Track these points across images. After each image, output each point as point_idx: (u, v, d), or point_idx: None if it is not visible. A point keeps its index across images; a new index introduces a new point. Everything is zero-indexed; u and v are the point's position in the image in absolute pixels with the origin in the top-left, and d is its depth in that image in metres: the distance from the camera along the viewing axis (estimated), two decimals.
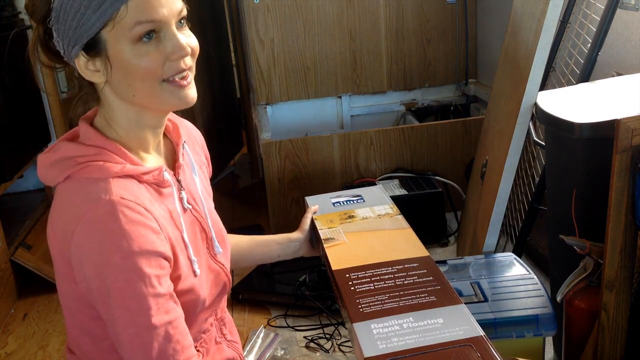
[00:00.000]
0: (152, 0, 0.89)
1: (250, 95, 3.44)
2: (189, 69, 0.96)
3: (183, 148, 1.10)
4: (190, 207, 1.08)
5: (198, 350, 1.11)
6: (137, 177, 0.96)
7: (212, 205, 1.19)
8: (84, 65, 0.93)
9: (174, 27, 0.93)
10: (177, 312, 0.95)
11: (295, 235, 1.38)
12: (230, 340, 1.21)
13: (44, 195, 3.01)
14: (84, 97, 1.01)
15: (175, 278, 0.98)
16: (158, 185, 1.00)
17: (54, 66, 0.97)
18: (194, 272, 1.04)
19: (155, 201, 0.98)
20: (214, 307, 1.14)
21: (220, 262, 1.14)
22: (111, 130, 0.99)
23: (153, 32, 0.91)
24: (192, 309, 1.04)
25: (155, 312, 0.90)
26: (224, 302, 1.20)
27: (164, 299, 0.92)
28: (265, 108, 3.18)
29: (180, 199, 1.06)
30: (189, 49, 0.94)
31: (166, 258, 0.94)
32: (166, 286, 0.93)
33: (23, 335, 2.29)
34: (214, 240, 1.12)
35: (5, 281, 2.41)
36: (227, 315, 1.23)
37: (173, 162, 1.10)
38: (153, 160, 1.04)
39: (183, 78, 0.95)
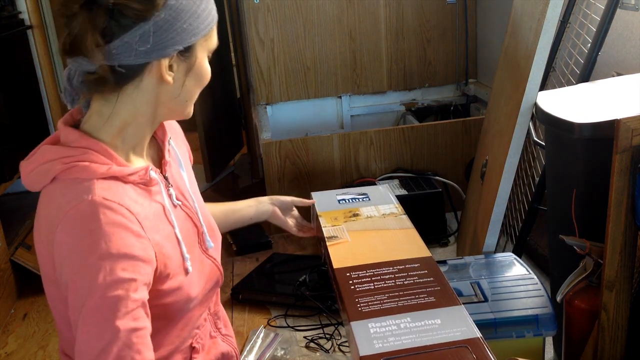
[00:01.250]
0: None
1: (250, 95, 3.44)
2: None
3: (169, 144, 1.10)
4: (179, 203, 1.08)
5: (194, 347, 1.11)
6: (123, 178, 0.96)
7: (201, 199, 1.18)
8: (166, 68, 0.95)
9: None
10: (145, 323, 0.90)
11: (264, 198, 1.50)
12: (225, 334, 1.21)
13: None
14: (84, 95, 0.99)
15: (164, 277, 0.97)
16: (145, 185, 1.00)
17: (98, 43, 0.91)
18: (186, 269, 1.03)
19: (143, 200, 0.98)
20: (208, 302, 1.14)
21: (212, 256, 1.13)
22: (101, 131, 0.98)
23: None
24: (182, 307, 1.03)
25: (122, 315, 0.87)
26: (217, 296, 1.20)
27: (134, 305, 0.88)
28: (265, 108, 3.18)
29: (169, 196, 1.05)
30: None
31: (145, 262, 0.92)
32: (140, 294, 0.90)
33: (23, 335, 2.29)
34: (205, 234, 1.12)
35: (5, 281, 2.41)
36: (221, 309, 1.23)
37: (159, 159, 1.10)
38: (141, 160, 1.04)
39: None
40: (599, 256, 1.31)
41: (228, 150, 3.91)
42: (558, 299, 1.40)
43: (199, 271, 1.08)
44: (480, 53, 3.24)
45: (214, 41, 1.01)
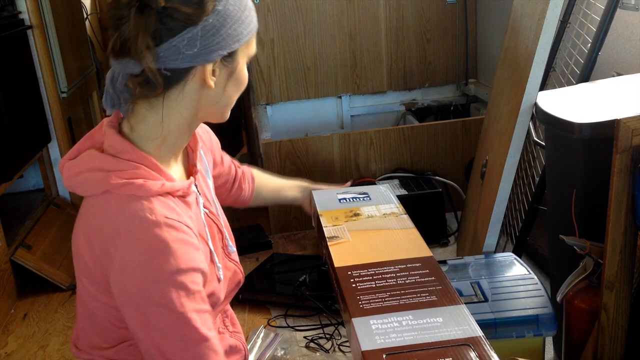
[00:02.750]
0: None
1: (250, 95, 3.44)
2: None
3: (199, 153, 1.12)
4: (207, 210, 1.10)
5: None
6: (172, 193, 0.98)
7: (219, 202, 1.21)
8: (210, 72, 0.96)
9: None
10: (215, 329, 0.97)
11: (306, 185, 1.56)
12: (233, 331, 1.24)
13: (44, 195, 3.01)
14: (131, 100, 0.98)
15: (203, 284, 1.00)
16: (184, 196, 1.02)
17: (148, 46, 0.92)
18: (218, 278, 1.06)
19: (186, 212, 1.00)
20: (227, 302, 1.18)
21: (235, 260, 1.16)
22: (148, 142, 0.98)
23: None
24: (214, 309, 1.06)
25: (201, 325, 0.93)
26: None
27: (206, 315, 0.95)
28: (265, 108, 3.19)
29: (198, 204, 1.07)
30: None
31: (204, 273, 0.96)
32: (206, 303, 0.96)
33: (23, 335, 2.29)
34: (227, 239, 1.15)
35: (5, 281, 2.41)
36: (229, 308, 1.26)
37: (189, 166, 1.11)
38: (176, 167, 1.05)
39: None
40: (599, 256, 1.31)
41: (228, 150, 3.90)
42: (558, 299, 1.40)
43: (225, 276, 1.11)
44: (480, 53, 3.24)
45: (253, 48, 1.03)
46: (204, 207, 1.09)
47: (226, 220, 1.20)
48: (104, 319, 1.01)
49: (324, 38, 3.11)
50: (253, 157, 3.67)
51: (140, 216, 0.91)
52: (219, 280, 1.06)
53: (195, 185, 1.08)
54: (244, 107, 3.89)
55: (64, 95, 3.12)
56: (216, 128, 3.79)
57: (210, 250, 1.05)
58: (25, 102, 2.80)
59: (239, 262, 1.18)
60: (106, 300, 0.97)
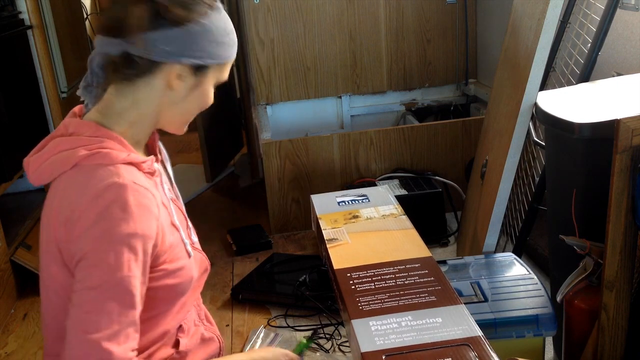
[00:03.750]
0: None
1: (250, 95, 3.44)
2: None
3: (159, 145, 1.19)
4: (172, 196, 1.15)
5: (181, 326, 1.16)
6: (138, 166, 1.02)
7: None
8: (177, 74, 1.02)
9: None
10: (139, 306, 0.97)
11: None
12: (207, 324, 1.26)
13: (44, 195, 3.01)
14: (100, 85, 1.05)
15: (168, 258, 1.04)
16: (151, 175, 1.06)
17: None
18: (188, 252, 1.10)
19: (151, 186, 1.03)
20: (199, 288, 1.20)
21: (198, 248, 1.19)
22: (113, 124, 1.04)
23: None
24: (185, 288, 1.10)
25: (134, 286, 0.94)
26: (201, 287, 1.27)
27: (142, 286, 0.97)
28: (265, 108, 3.18)
29: (162, 186, 1.12)
30: None
31: (155, 244, 0.99)
32: (145, 274, 0.98)
33: (23, 335, 2.29)
34: (191, 228, 1.19)
35: (5, 281, 2.41)
36: (203, 306, 1.29)
37: (149, 155, 1.15)
38: (140, 153, 1.10)
39: None
40: (599, 256, 1.31)
41: (228, 150, 3.91)
42: (558, 299, 1.40)
43: (194, 257, 1.14)
44: (480, 53, 3.24)
45: (224, 75, 1.09)
46: (170, 192, 1.14)
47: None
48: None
49: (324, 38, 3.10)
50: (253, 157, 3.67)
51: (108, 179, 0.95)
52: (189, 255, 1.10)
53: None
54: (244, 107, 3.89)
55: (64, 95, 3.12)
56: (216, 128, 3.79)
57: (176, 226, 1.08)
58: (25, 102, 2.80)
59: (202, 251, 1.20)
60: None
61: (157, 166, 1.09)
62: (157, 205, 1.00)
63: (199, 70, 1.03)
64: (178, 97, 1.04)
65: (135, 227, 0.94)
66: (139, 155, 1.04)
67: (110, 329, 0.91)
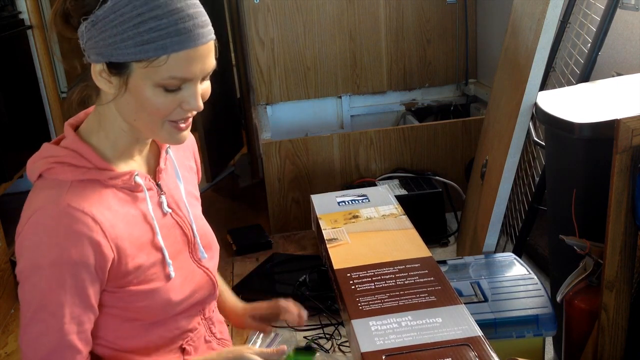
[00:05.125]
0: (192, 60, 0.90)
1: (250, 95, 3.44)
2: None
3: (167, 153, 1.11)
4: (170, 210, 1.08)
5: (184, 349, 1.12)
6: (103, 182, 0.98)
7: (199, 210, 1.19)
8: (98, 72, 0.93)
9: (198, 84, 0.95)
10: (88, 326, 0.98)
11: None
12: (220, 338, 1.22)
13: None
14: (85, 88, 0.99)
15: (135, 282, 1.00)
16: (131, 190, 1.01)
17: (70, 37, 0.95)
18: (167, 275, 1.04)
19: (121, 206, 0.99)
20: (199, 308, 1.15)
21: (205, 266, 1.13)
22: (95, 135, 1.00)
23: (178, 85, 0.93)
24: (160, 311, 1.05)
25: (68, 321, 0.94)
26: (213, 304, 1.21)
27: (79, 310, 0.95)
28: (265, 108, 3.18)
29: (160, 203, 1.06)
30: (202, 106, 0.97)
31: (98, 270, 0.95)
32: (86, 299, 0.96)
33: None
34: (198, 245, 1.12)
35: (5, 281, 2.41)
36: (217, 315, 1.24)
37: (156, 166, 1.10)
38: (135, 165, 1.05)
39: (184, 121, 0.98)
40: (599, 256, 1.31)
41: (228, 150, 3.91)
42: (558, 299, 1.40)
43: (186, 279, 1.08)
44: (480, 53, 3.24)
45: (161, 75, 0.89)
46: (169, 206, 1.08)
47: (205, 227, 1.17)
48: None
49: (324, 38, 3.10)
50: (253, 157, 3.67)
51: (47, 201, 0.94)
52: (167, 278, 1.04)
53: (159, 185, 1.07)
54: (244, 107, 3.89)
55: (64, 95, 3.12)
56: (216, 128, 3.80)
57: (159, 246, 1.03)
58: (25, 102, 2.80)
59: (210, 271, 1.14)
60: None
61: (140, 181, 1.01)
62: (101, 231, 0.93)
63: (115, 67, 0.90)
64: (110, 97, 0.95)
65: (62, 255, 0.92)
66: (105, 172, 0.97)
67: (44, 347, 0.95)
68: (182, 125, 0.97)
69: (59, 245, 0.92)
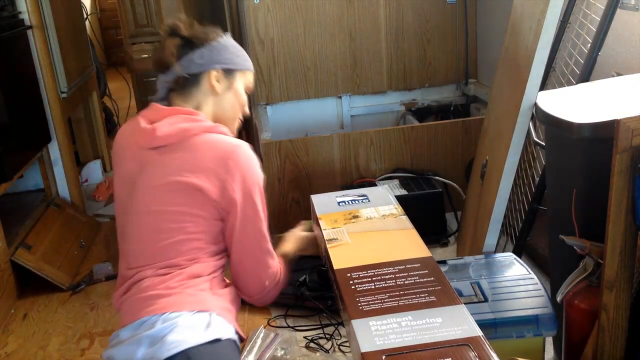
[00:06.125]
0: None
1: (250, 95, 3.44)
2: None
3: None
4: None
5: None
6: None
7: None
8: (214, 77, 1.40)
9: None
10: None
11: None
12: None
13: (44, 195, 3.01)
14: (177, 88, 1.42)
15: None
16: None
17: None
18: None
19: None
20: None
21: None
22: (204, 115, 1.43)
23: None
24: None
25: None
26: None
27: None
28: (265, 108, 3.18)
29: None
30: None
31: None
32: None
33: (23, 335, 2.29)
34: None
35: (5, 281, 2.41)
36: None
37: None
38: None
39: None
40: (599, 256, 1.31)
41: None
42: (558, 299, 1.40)
43: None
44: (480, 53, 3.24)
45: (250, 80, 1.48)
46: None
47: None
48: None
49: (324, 38, 3.10)
50: None
51: (237, 141, 1.40)
52: None
53: None
54: None
55: (64, 95, 3.11)
56: None
57: None
58: (25, 102, 2.80)
59: None
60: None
61: None
62: None
63: (228, 73, 1.41)
64: (220, 95, 1.41)
65: (261, 173, 1.41)
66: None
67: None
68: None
69: (259, 167, 1.36)
